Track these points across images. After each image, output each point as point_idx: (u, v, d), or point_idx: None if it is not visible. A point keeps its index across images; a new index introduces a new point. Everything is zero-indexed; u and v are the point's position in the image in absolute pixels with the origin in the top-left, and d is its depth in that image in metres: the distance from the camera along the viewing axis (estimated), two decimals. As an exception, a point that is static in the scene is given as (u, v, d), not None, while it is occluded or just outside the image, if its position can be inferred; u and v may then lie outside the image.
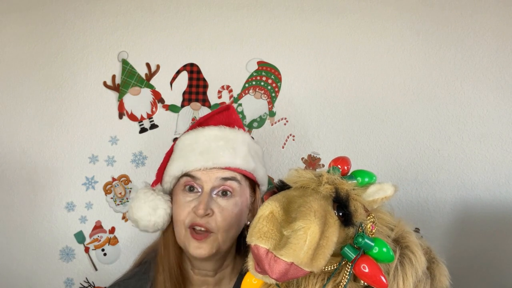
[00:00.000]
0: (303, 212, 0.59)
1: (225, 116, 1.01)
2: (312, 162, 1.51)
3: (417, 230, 1.44)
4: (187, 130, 1.02)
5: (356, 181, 0.68)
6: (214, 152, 0.94)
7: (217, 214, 0.92)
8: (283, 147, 1.52)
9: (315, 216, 0.58)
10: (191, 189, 0.95)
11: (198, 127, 1.00)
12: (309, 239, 0.57)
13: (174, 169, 0.96)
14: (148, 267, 1.03)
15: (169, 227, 0.98)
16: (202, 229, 0.92)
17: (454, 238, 1.48)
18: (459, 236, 1.48)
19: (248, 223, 1.01)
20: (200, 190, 0.94)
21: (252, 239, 0.60)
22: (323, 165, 1.50)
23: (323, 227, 0.59)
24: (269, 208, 0.60)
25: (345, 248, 0.63)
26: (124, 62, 1.53)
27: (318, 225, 0.58)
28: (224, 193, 0.94)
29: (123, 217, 1.53)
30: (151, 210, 0.94)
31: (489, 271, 1.48)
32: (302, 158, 1.51)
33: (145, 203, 0.94)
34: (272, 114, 1.52)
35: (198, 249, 0.91)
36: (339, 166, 0.69)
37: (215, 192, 0.94)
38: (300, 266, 0.58)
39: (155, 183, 1.04)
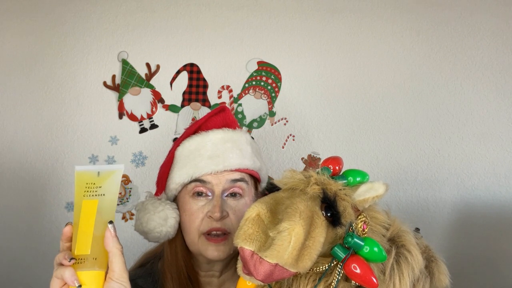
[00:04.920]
0: (289, 214, 0.59)
1: (223, 117, 1.01)
2: (312, 162, 1.51)
3: (417, 230, 1.44)
4: (186, 136, 1.01)
5: (345, 181, 0.67)
6: (223, 155, 0.94)
7: (231, 216, 0.92)
8: (283, 147, 1.52)
9: (300, 217, 0.58)
10: (200, 194, 0.95)
11: (199, 131, 1.00)
12: (293, 240, 0.57)
13: (182, 176, 0.95)
14: (152, 268, 1.02)
15: (177, 234, 0.98)
16: (219, 232, 0.92)
17: (454, 237, 1.48)
18: (459, 236, 1.48)
19: None
20: (210, 194, 0.94)
21: (237, 241, 0.60)
22: (323, 165, 1.50)
23: (309, 228, 0.59)
24: (256, 210, 0.61)
25: (335, 248, 0.63)
26: (124, 62, 1.53)
27: (302, 226, 0.58)
28: (234, 194, 0.95)
29: (123, 217, 1.53)
30: (162, 221, 0.93)
31: (489, 271, 1.48)
32: (302, 158, 1.51)
33: (155, 215, 0.93)
34: (272, 114, 1.52)
35: (216, 251, 0.91)
36: (330, 166, 0.69)
37: (225, 195, 0.94)
38: (285, 267, 0.58)
39: (158, 192, 1.03)
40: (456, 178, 1.49)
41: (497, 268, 1.48)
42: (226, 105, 1.51)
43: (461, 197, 1.48)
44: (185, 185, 0.96)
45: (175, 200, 1.01)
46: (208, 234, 0.92)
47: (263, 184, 1.06)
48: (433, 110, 1.50)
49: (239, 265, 0.65)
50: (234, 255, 0.98)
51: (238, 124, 1.05)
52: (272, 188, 0.70)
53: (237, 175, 0.94)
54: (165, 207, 0.95)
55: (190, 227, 0.94)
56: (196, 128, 1.00)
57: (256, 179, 1.02)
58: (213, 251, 0.91)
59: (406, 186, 1.49)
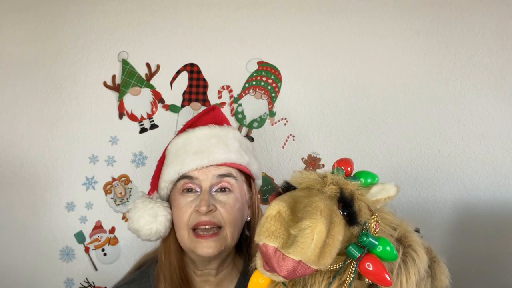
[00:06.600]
0: (310, 212, 0.60)
1: (212, 116, 1.03)
2: (312, 162, 1.51)
3: (417, 230, 1.44)
4: (177, 134, 1.02)
5: (359, 181, 0.68)
6: (208, 150, 0.96)
7: (220, 209, 0.93)
8: (283, 147, 1.52)
9: (321, 215, 0.60)
10: (189, 190, 0.96)
11: (187, 129, 1.01)
12: (316, 238, 0.58)
13: (170, 174, 0.97)
14: (148, 270, 1.03)
15: (170, 234, 0.99)
16: (207, 227, 0.92)
17: (454, 238, 1.48)
18: (459, 236, 1.48)
19: (249, 219, 1.02)
20: (198, 190, 0.95)
21: (260, 238, 0.61)
22: (323, 165, 1.50)
23: (329, 226, 0.61)
24: (276, 208, 0.62)
25: (350, 246, 0.64)
26: (124, 62, 1.53)
27: (324, 224, 0.59)
28: (223, 190, 0.96)
29: (123, 217, 1.53)
30: (151, 218, 0.95)
31: (490, 271, 1.48)
32: (302, 158, 1.52)
33: (145, 212, 0.95)
34: (272, 114, 1.52)
35: (206, 248, 0.92)
36: (343, 167, 0.70)
37: (214, 190, 0.95)
38: (307, 264, 0.59)
39: (151, 191, 1.04)
40: (456, 178, 1.49)
41: (497, 268, 1.48)
42: (226, 105, 1.52)
43: (461, 197, 1.48)
44: (175, 183, 0.97)
45: (168, 200, 1.02)
46: (196, 231, 0.93)
47: (258, 181, 1.07)
48: (433, 110, 1.50)
49: (259, 261, 0.66)
50: (229, 253, 0.99)
51: (228, 121, 1.06)
52: (287, 187, 0.71)
53: (223, 170, 0.96)
54: (155, 205, 0.97)
55: (179, 223, 0.95)
56: (188, 126, 1.02)
57: (248, 176, 1.03)
58: (203, 247, 0.92)
59: (406, 186, 1.49)
